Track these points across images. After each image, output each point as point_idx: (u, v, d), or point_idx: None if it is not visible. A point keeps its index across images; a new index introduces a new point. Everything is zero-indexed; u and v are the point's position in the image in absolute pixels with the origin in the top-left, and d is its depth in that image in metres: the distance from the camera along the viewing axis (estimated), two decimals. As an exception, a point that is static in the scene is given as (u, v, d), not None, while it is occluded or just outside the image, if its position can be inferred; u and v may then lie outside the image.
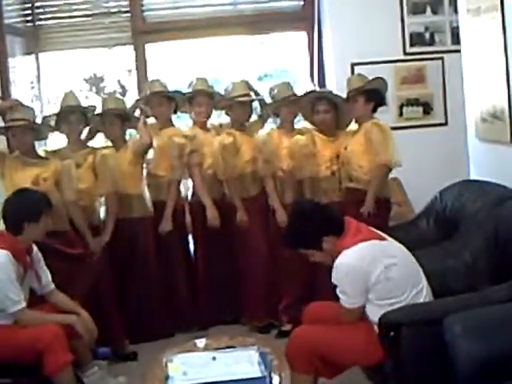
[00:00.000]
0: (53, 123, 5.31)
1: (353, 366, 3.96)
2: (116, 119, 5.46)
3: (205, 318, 5.75)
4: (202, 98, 5.74)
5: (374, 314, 3.75)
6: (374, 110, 5.38)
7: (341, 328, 3.86)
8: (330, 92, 5.84)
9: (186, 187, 6.00)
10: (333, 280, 3.81)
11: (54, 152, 5.32)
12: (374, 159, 5.21)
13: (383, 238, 3.90)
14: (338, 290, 3.81)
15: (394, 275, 3.72)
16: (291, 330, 5.42)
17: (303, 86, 6.75)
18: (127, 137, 5.69)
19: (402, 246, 3.95)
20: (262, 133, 5.81)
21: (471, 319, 3.37)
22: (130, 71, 8.11)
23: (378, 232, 3.95)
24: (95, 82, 9.03)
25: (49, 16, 6.86)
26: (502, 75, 4.68)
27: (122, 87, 8.84)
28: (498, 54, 4.70)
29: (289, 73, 8.59)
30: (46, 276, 4.47)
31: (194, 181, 5.78)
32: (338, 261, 3.75)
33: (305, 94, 5.70)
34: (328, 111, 5.52)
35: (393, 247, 3.90)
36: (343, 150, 5.46)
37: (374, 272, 3.68)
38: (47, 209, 4.37)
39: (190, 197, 5.93)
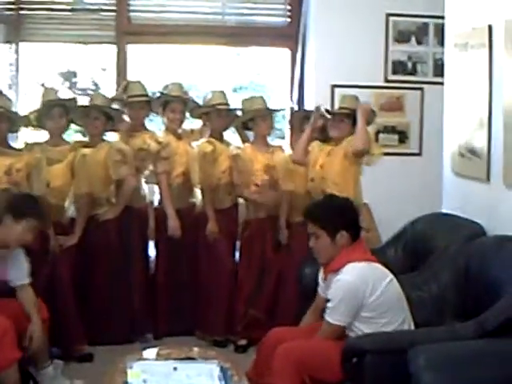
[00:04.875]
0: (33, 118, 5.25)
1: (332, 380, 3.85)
2: (101, 116, 5.43)
3: (160, 327, 5.66)
4: (176, 105, 5.66)
5: (362, 331, 3.82)
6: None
7: (317, 341, 3.92)
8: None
9: (152, 192, 5.92)
10: (329, 294, 3.91)
11: (35, 144, 5.24)
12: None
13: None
14: (329, 305, 3.88)
15: (390, 296, 3.86)
16: (247, 345, 5.44)
17: (277, 102, 6.76)
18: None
19: None
20: (235, 146, 5.79)
21: (436, 352, 3.37)
22: (104, 69, 8.05)
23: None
24: (68, 77, 8.94)
25: (33, 6, 6.73)
26: (484, 112, 4.70)
27: (95, 85, 8.77)
28: (482, 91, 4.72)
29: (264, 87, 8.60)
30: (21, 270, 4.36)
31: (160, 188, 5.70)
32: (340, 276, 3.86)
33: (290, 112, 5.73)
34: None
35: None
36: (318, 168, 5.43)
37: (373, 292, 3.79)
38: (33, 215, 4.22)
39: (156, 203, 5.85)
